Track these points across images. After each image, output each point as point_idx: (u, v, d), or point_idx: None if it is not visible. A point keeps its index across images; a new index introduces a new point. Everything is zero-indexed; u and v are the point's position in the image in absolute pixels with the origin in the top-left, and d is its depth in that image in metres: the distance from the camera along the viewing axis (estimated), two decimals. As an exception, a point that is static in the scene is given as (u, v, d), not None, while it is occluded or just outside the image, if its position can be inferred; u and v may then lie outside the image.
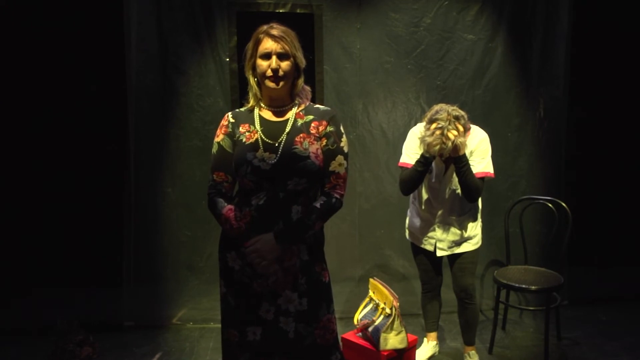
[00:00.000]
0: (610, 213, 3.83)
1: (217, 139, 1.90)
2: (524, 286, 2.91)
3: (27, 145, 3.34)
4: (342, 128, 1.91)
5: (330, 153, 1.86)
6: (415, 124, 2.95)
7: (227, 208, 1.84)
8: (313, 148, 1.82)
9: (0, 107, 3.30)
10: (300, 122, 1.87)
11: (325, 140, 1.86)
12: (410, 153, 2.69)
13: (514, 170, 3.65)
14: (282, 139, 1.82)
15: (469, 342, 2.93)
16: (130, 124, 3.33)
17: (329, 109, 1.93)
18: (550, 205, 3.17)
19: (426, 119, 2.59)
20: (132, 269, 3.43)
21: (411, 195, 2.84)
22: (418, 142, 2.64)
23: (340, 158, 1.86)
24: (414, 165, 2.60)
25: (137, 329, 3.43)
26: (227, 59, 3.39)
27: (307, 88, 1.94)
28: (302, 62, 1.86)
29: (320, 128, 1.87)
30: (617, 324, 3.49)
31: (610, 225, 3.84)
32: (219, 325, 3.54)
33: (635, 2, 3.67)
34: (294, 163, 1.79)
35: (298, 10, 3.40)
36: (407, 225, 2.94)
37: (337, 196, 1.86)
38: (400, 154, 2.77)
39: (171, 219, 3.48)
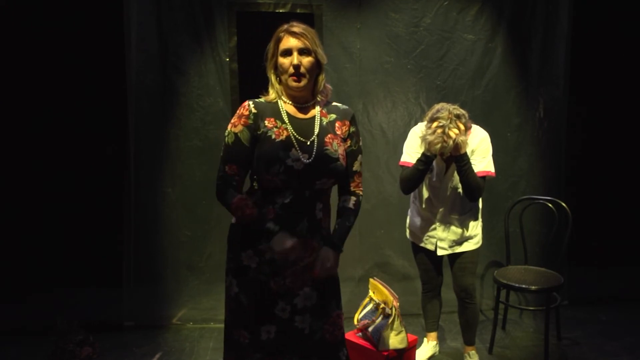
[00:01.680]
0: (610, 213, 3.83)
1: (234, 129, 1.83)
2: (524, 286, 2.91)
3: (27, 145, 3.34)
4: (358, 127, 1.98)
5: (353, 153, 1.93)
6: (415, 124, 2.95)
7: (238, 197, 1.76)
8: (341, 150, 1.86)
9: (0, 107, 3.30)
10: (325, 120, 1.89)
11: (350, 142, 1.92)
12: (411, 152, 2.69)
13: (514, 170, 3.65)
14: (314, 139, 1.83)
15: (469, 342, 2.93)
16: (130, 124, 3.33)
17: (347, 107, 1.96)
18: (550, 205, 3.17)
19: (427, 117, 2.60)
20: (132, 269, 3.43)
21: (412, 194, 2.84)
22: (419, 141, 2.64)
23: (360, 157, 1.95)
24: (415, 164, 2.60)
25: (137, 329, 3.43)
26: (227, 59, 3.39)
27: (329, 87, 1.94)
28: (324, 59, 1.85)
29: (344, 129, 1.91)
30: (617, 324, 3.49)
31: (610, 225, 3.84)
32: (219, 325, 3.57)
33: (635, 2, 3.67)
34: (326, 164, 1.81)
35: (298, 10, 3.40)
36: (407, 224, 2.94)
37: (361, 193, 1.96)
38: (400, 153, 2.77)
39: (171, 219, 3.48)
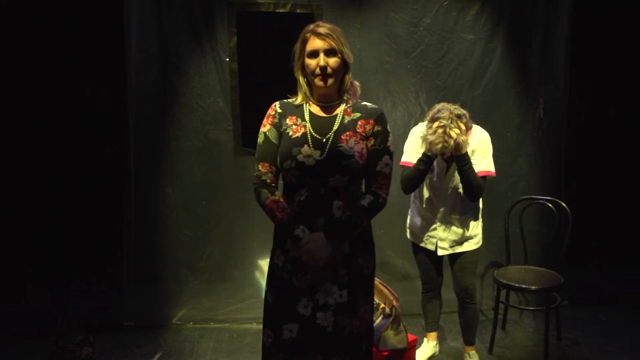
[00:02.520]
0: (610, 213, 3.83)
1: (263, 129, 1.91)
2: (524, 286, 2.91)
3: (27, 145, 3.34)
4: (388, 127, 1.93)
5: (377, 153, 1.88)
6: (415, 124, 2.96)
7: (271, 199, 1.85)
8: (358, 147, 1.84)
9: (1, 107, 3.30)
10: (347, 119, 1.89)
11: (373, 140, 1.88)
12: (412, 152, 2.69)
13: (514, 170, 3.65)
14: (330, 136, 1.84)
15: (469, 342, 2.93)
16: (130, 124, 3.33)
17: (376, 107, 1.94)
18: (550, 205, 3.17)
19: (428, 117, 2.60)
20: (132, 269, 3.43)
21: (412, 194, 2.84)
22: (419, 141, 2.64)
23: (386, 158, 1.89)
24: (416, 163, 2.60)
25: (137, 329, 3.43)
26: (227, 59, 3.39)
27: (356, 83, 1.95)
28: (350, 58, 1.87)
29: (367, 127, 1.88)
30: (617, 324, 3.49)
31: (610, 225, 3.84)
32: (219, 325, 3.58)
33: (635, 2, 3.67)
34: (338, 161, 1.81)
35: (298, 10, 3.40)
36: (408, 224, 2.94)
37: (384, 195, 1.90)
38: (400, 153, 2.77)
39: (171, 219, 3.48)
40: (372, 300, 1.98)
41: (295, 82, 1.94)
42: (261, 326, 3.47)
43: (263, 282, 3.57)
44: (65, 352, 2.94)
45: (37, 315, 3.30)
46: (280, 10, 3.39)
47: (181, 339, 3.34)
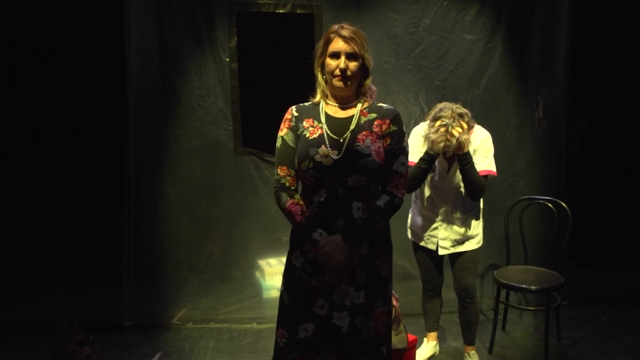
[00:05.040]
0: (610, 213, 3.83)
1: (280, 133, 1.93)
2: (524, 286, 2.91)
3: (27, 146, 3.34)
4: (404, 128, 1.95)
5: (394, 152, 1.90)
6: (415, 124, 2.96)
7: (290, 202, 1.87)
8: (375, 146, 1.85)
9: (1, 107, 3.30)
10: (363, 119, 1.90)
11: (389, 140, 1.89)
12: (414, 151, 2.69)
13: (513, 170, 3.65)
14: (347, 136, 1.86)
15: (469, 341, 2.93)
16: (130, 124, 3.33)
17: (391, 108, 1.96)
18: (550, 205, 3.17)
19: (430, 116, 2.60)
20: (132, 269, 3.43)
21: (413, 194, 2.84)
22: (421, 140, 2.65)
23: (402, 158, 1.91)
24: (418, 162, 2.61)
25: (137, 329, 3.43)
26: (227, 59, 3.39)
27: (374, 88, 1.97)
28: (370, 64, 1.89)
29: (384, 127, 1.90)
30: (617, 324, 3.49)
31: (610, 225, 3.84)
32: (219, 325, 3.58)
33: (635, 2, 3.67)
34: (355, 160, 1.82)
35: (298, 11, 3.40)
36: (409, 224, 2.95)
37: (400, 195, 1.91)
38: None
39: (171, 219, 3.48)
40: (390, 303, 1.97)
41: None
42: (261, 326, 3.53)
43: (263, 282, 3.59)
44: (65, 352, 2.94)
45: (37, 315, 3.30)
46: (280, 11, 3.39)
47: (181, 339, 3.34)
